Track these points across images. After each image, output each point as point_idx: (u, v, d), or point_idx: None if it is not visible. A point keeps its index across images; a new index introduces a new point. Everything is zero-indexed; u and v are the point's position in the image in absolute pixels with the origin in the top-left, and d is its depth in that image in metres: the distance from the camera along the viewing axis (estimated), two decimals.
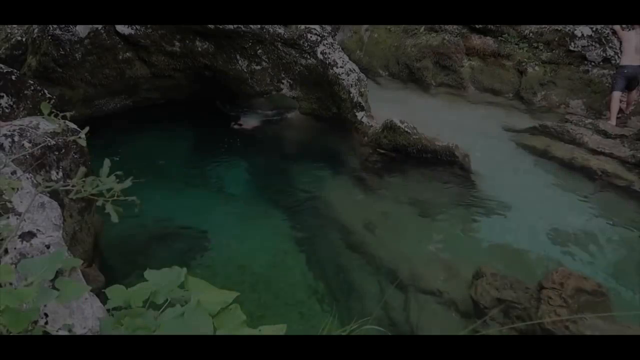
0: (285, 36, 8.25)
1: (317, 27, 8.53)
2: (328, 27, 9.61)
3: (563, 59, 9.44)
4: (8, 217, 2.62)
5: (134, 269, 4.96)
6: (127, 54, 8.47)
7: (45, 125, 4.44)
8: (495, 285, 4.55)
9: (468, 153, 7.21)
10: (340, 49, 8.75)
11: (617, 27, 8.05)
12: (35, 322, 1.84)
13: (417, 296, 4.73)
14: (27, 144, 4.15)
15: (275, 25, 8.15)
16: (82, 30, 7.87)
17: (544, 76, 9.52)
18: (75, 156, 4.73)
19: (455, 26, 10.49)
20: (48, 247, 2.35)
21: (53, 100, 5.75)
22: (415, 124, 7.60)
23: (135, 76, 8.83)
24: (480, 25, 10.27)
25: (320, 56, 8.32)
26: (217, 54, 8.52)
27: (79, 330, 1.97)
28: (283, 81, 8.82)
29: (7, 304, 1.31)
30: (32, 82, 5.65)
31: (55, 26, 7.71)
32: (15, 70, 5.83)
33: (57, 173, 4.45)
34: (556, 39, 9.51)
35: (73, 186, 1.56)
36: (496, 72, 10.05)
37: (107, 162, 1.57)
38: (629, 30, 7.87)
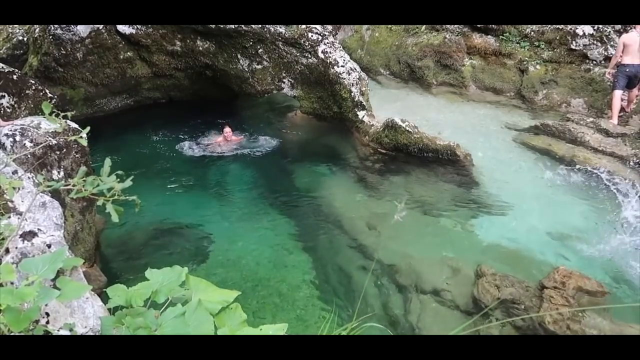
0: (286, 35, 8.25)
1: (318, 26, 8.53)
2: (329, 27, 9.60)
3: (564, 58, 9.42)
4: (9, 217, 2.63)
5: (135, 269, 4.98)
6: (128, 53, 8.48)
7: (46, 125, 4.45)
8: (497, 284, 4.55)
9: (469, 152, 7.21)
10: (341, 48, 8.75)
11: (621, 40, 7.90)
12: (37, 322, 1.85)
13: (418, 295, 4.73)
14: (28, 144, 4.16)
15: (276, 25, 8.15)
16: (83, 29, 7.88)
17: (545, 75, 9.51)
18: (77, 156, 4.74)
19: (456, 25, 10.48)
20: (49, 246, 2.36)
21: (54, 100, 5.77)
22: (416, 123, 7.60)
23: (137, 76, 8.84)
24: (482, 24, 10.26)
25: (321, 55, 8.32)
26: (218, 53, 8.53)
27: (80, 330, 1.98)
28: (284, 80, 8.82)
29: (8, 303, 1.31)
30: (33, 81, 5.67)
31: (56, 26, 7.72)
32: (17, 70, 5.84)
33: (59, 172, 4.46)
34: (557, 38, 9.49)
35: (74, 185, 1.57)
36: (497, 71, 10.04)
37: (107, 162, 1.58)
38: (631, 30, 7.85)
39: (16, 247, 2.28)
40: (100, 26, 7.97)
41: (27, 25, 8.84)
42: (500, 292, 4.46)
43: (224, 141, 8.08)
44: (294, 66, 8.60)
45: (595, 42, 9.12)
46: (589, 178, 6.71)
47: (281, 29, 8.21)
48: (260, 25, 8.06)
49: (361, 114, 8.27)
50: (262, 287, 4.91)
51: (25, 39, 8.97)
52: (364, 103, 8.33)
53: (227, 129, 8.09)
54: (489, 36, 10.24)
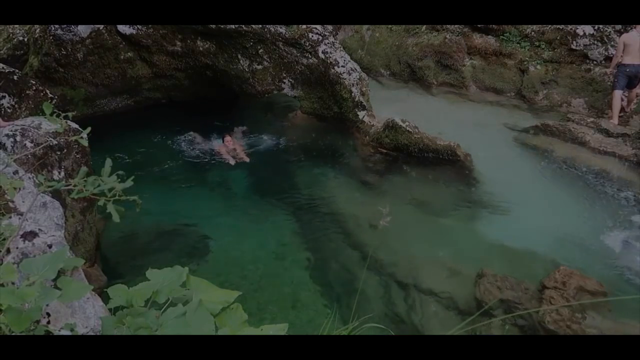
0: (287, 35, 8.25)
1: (318, 26, 8.52)
2: (329, 27, 9.60)
3: (565, 58, 9.42)
4: (10, 217, 2.63)
5: (136, 269, 4.98)
6: (129, 53, 8.47)
7: (47, 125, 4.45)
8: (498, 285, 4.55)
9: (469, 152, 7.21)
10: (341, 49, 8.74)
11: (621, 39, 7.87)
12: (37, 322, 1.85)
13: (419, 295, 4.73)
14: (29, 144, 4.16)
15: (277, 25, 8.15)
16: (83, 30, 7.88)
17: (545, 75, 9.51)
18: (77, 156, 4.74)
19: (456, 25, 10.48)
20: (50, 246, 2.36)
21: (55, 100, 5.78)
22: (416, 123, 7.60)
23: (137, 76, 8.84)
24: (482, 24, 10.26)
25: (321, 55, 8.32)
26: (219, 54, 8.52)
27: (81, 330, 1.98)
28: (284, 81, 8.82)
29: (10, 303, 1.31)
30: (34, 82, 5.67)
31: (57, 26, 7.72)
32: (17, 71, 5.85)
33: (59, 173, 4.47)
34: (558, 38, 9.49)
35: (75, 186, 1.57)
36: (498, 71, 10.04)
37: (108, 162, 1.58)
38: (631, 30, 7.85)
39: (17, 247, 2.29)
40: (101, 26, 7.97)
41: (28, 26, 8.84)
42: (502, 293, 4.46)
43: (225, 149, 8.06)
44: (295, 66, 8.59)
45: (595, 42, 9.11)
46: (589, 178, 6.71)
47: (281, 29, 8.20)
48: (260, 26, 8.05)
49: (361, 114, 8.27)
50: (263, 287, 4.91)
51: (25, 39, 8.96)
52: (365, 103, 8.33)
53: (228, 138, 8.05)
54: (489, 36, 10.24)
